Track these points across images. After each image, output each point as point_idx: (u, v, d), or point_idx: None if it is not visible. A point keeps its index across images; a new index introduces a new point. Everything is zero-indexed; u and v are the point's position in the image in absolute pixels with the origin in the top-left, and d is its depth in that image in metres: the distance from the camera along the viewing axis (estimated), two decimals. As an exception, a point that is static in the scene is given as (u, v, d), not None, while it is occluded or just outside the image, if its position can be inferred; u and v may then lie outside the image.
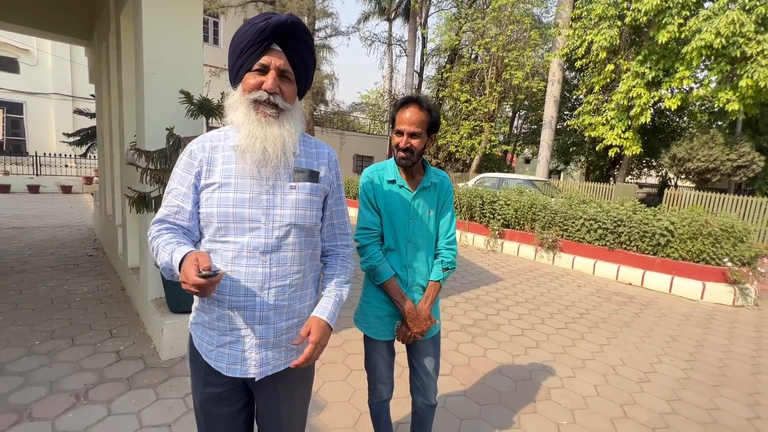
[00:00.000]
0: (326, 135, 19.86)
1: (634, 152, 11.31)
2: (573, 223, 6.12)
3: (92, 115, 7.44)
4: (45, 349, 2.59)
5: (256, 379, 1.02)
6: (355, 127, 25.36)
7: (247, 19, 17.30)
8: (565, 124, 16.72)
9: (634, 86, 10.48)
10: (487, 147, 14.84)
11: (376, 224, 1.47)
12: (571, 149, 17.78)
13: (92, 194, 8.02)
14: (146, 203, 2.52)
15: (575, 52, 11.56)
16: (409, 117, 1.38)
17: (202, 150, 1.00)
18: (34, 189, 12.02)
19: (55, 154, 13.14)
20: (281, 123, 0.97)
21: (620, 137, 11.29)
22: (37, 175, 12.69)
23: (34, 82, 14.98)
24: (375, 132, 26.34)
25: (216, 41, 18.58)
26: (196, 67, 2.85)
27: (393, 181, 1.49)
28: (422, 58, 21.20)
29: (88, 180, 13.28)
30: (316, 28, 17.23)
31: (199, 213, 1.00)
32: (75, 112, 8.23)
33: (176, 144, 2.40)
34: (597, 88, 11.98)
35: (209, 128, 2.91)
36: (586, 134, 12.49)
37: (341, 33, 17.95)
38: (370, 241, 1.46)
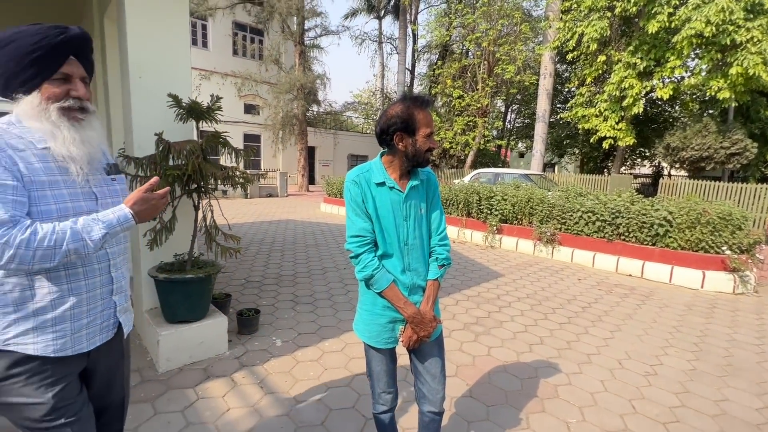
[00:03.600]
0: (319, 135, 19.76)
1: (627, 143, 11.34)
2: (571, 216, 6.10)
3: (80, 123, 7.32)
4: (37, 366, 2.50)
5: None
6: (348, 127, 25.27)
7: (235, 21, 16.83)
8: (558, 117, 16.75)
9: (625, 77, 10.50)
10: (481, 142, 14.83)
11: (368, 230, 1.39)
12: (565, 142, 17.83)
13: (83, 203, 7.85)
14: (137, 211, 2.43)
15: (566, 44, 11.56)
16: (430, 117, 1.39)
17: (3, 150, 0.96)
18: (24, 199, 11.82)
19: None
20: (93, 125, 1.10)
21: (614, 128, 11.31)
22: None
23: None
24: (368, 131, 26.26)
25: (205, 44, 18.40)
26: (184, 70, 2.77)
27: (382, 183, 1.40)
28: (413, 55, 21.17)
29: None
30: (305, 28, 17.11)
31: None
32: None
33: (166, 149, 2.32)
34: (589, 79, 11.99)
35: (200, 132, 2.84)
36: (580, 126, 12.51)
37: (331, 32, 17.89)
38: (363, 249, 1.38)
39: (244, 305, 3.64)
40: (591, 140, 12.66)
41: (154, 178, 1.12)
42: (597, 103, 11.71)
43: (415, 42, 20.84)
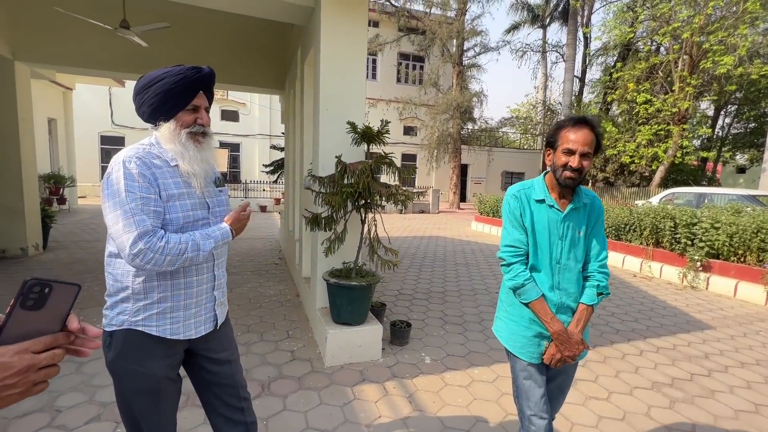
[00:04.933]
0: (473, 153, 19.61)
1: None
2: (840, 256, 4.22)
3: (282, 149, 9.22)
4: (243, 341, 3.17)
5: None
6: (504, 143, 24.27)
7: (400, 52, 18.40)
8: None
9: None
10: (678, 155, 11.94)
11: (522, 242, 1.45)
12: (822, 151, 12.68)
13: (279, 213, 9.79)
14: (318, 222, 2.85)
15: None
16: (583, 137, 1.35)
17: (149, 167, 1.19)
18: (243, 208, 15.61)
19: (257, 181, 16.84)
20: (210, 145, 1.31)
21: None
22: (245, 197, 16.46)
23: (246, 127, 19.70)
24: (526, 146, 24.64)
25: (374, 76, 20.78)
26: (359, 101, 3.14)
27: (542, 201, 1.45)
28: (584, 61, 18.92)
29: (277, 201, 16.45)
30: (464, 48, 17.43)
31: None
32: (271, 147, 10.33)
33: (343, 170, 2.65)
34: None
35: (368, 154, 3.16)
36: None
37: (490, 49, 17.67)
38: (516, 260, 1.45)
39: (396, 316, 3.81)
40: None
41: (246, 201, 1.27)
42: None
43: (586, 46, 18.61)
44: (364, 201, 2.83)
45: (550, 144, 1.44)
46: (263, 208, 15.40)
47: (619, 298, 4.84)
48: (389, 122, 2.84)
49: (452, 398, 2.48)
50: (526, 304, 1.43)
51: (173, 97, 1.21)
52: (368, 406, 2.35)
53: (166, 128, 1.23)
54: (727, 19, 11.08)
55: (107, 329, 1.21)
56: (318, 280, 3.17)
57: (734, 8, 11.04)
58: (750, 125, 16.51)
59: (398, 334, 3.20)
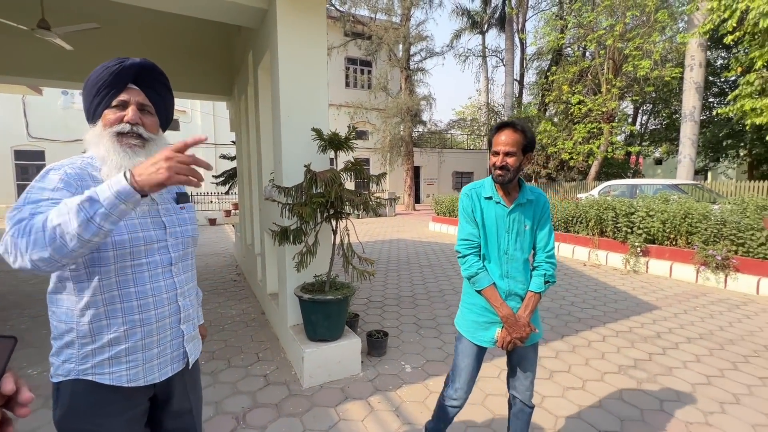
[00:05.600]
0: (425, 155, 20.05)
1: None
2: (752, 235, 4.82)
3: (232, 158, 8.74)
4: (209, 369, 2.90)
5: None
6: (453, 144, 25.09)
7: (347, 57, 18.34)
8: (714, 114, 13.85)
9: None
10: (609, 150, 13.07)
11: (475, 236, 1.61)
12: (724, 143, 14.57)
13: (233, 225, 9.26)
14: (287, 236, 2.69)
15: (723, 25, 9.54)
16: (504, 139, 1.52)
17: (83, 179, 1.00)
18: (190, 222, 14.60)
19: (203, 193, 15.86)
20: (148, 152, 1.06)
21: (804, 121, 8.77)
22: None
23: (188, 136, 18.50)
24: (473, 147, 25.67)
25: (322, 81, 20.48)
26: (322, 107, 3.03)
27: (490, 198, 1.61)
28: (522, 65, 20.12)
29: (228, 213, 15.62)
30: (411, 53, 17.77)
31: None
32: (220, 157, 9.78)
33: (313, 179, 2.52)
34: (760, 63, 9.62)
35: (334, 161, 3.05)
36: (748, 122, 10.06)
37: (436, 54, 18.19)
38: (470, 252, 1.60)
39: (370, 326, 3.72)
40: None
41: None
42: (774, 91, 9.29)
43: (523, 51, 19.84)
44: (334, 210, 2.72)
45: (489, 148, 1.61)
46: (213, 221, 14.53)
47: (575, 287, 5.14)
48: (356, 128, 2.77)
49: (439, 406, 2.44)
50: (479, 292, 1.58)
51: (96, 94, 1.04)
52: (355, 426, 2.24)
53: (92, 131, 1.05)
54: (642, 27, 12.36)
55: (53, 380, 1.00)
56: (288, 297, 2.99)
57: (644, 18, 12.34)
58: (664, 122, 18.52)
59: (375, 344, 3.11)
